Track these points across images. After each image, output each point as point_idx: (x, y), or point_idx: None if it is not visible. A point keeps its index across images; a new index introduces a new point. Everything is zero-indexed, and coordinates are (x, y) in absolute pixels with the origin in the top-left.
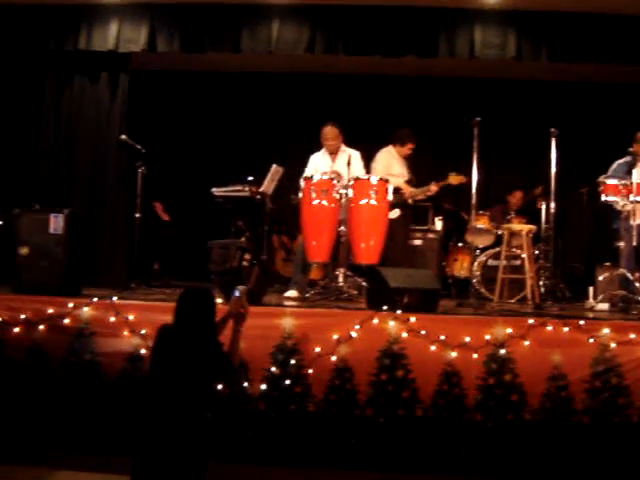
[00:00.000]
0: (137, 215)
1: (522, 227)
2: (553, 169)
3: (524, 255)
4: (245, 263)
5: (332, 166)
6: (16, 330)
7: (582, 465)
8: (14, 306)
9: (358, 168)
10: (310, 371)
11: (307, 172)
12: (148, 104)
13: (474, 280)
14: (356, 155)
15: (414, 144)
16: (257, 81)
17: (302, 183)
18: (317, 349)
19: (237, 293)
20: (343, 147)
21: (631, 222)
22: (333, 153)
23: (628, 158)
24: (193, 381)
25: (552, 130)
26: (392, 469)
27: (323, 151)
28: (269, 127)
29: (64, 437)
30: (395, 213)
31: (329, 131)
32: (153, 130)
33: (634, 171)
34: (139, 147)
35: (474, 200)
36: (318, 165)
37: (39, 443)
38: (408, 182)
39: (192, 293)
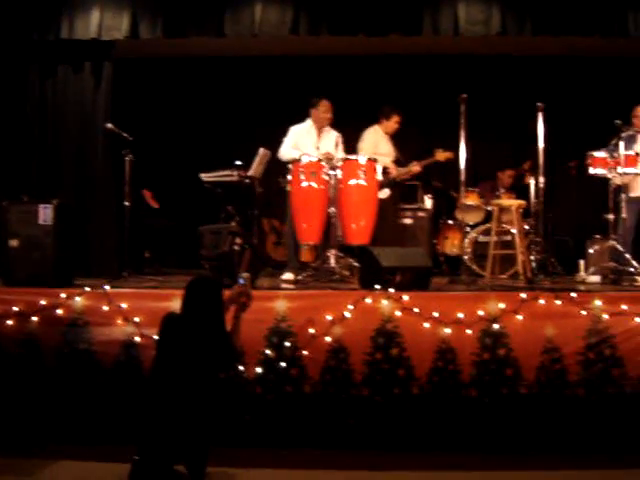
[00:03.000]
0: (126, 203)
1: (512, 202)
2: (541, 144)
3: (514, 230)
4: (236, 247)
5: (317, 142)
6: (9, 323)
7: (577, 437)
8: (6, 299)
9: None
10: (305, 353)
11: (287, 143)
12: (134, 92)
13: (465, 257)
14: (339, 136)
15: (399, 116)
16: (242, 65)
17: (290, 166)
18: (311, 331)
19: (241, 280)
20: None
21: (630, 194)
22: (320, 129)
23: (630, 132)
24: (201, 368)
25: (539, 104)
26: (390, 448)
27: (309, 125)
28: (256, 111)
29: (61, 427)
30: (385, 193)
31: (329, 105)
32: (140, 118)
33: (635, 145)
34: (125, 135)
35: (463, 177)
36: (301, 139)
37: (37, 434)
38: (395, 161)
39: (201, 281)
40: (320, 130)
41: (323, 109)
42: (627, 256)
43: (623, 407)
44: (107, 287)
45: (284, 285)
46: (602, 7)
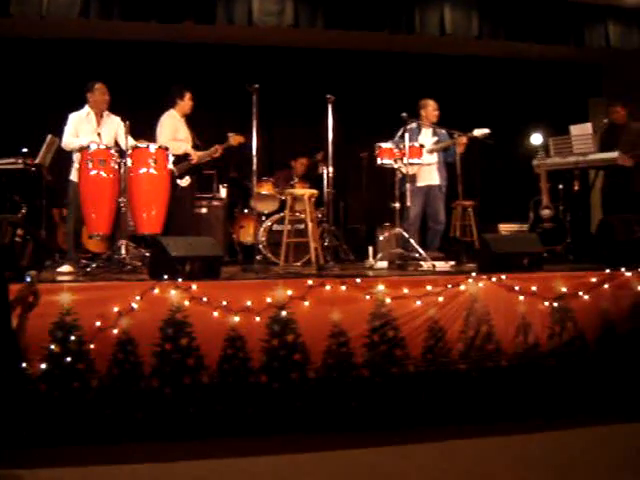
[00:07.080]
0: None
1: (304, 192)
2: (330, 135)
3: (307, 219)
4: (18, 239)
5: (97, 128)
6: None
7: (364, 415)
8: None
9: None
10: (92, 346)
11: (67, 132)
12: None
13: (260, 245)
14: (122, 123)
15: (191, 93)
16: (31, 48)
17: (78, 154)
18: (98, 323)
19: (28, 278)
20: (107, 111)
21: (417, 184)
22: (100, 114)
23: (415, 124)
24: None
25: (328, 97)
26: (184, 438)
27: (87, 110)
28: (44, 96)
29: None
30: (186, 181)
31: (104, 87)
32: None
33: (420, 137)
34: None
35: (255, 166)
36: (80, 126)
37: None
38: (193, 146)
39: None
40: (100, 115)
41: (99, 92)
42: (412, 242)
43: (406, 385)
44: None
45: (60, 278)
46: (391, 3)
